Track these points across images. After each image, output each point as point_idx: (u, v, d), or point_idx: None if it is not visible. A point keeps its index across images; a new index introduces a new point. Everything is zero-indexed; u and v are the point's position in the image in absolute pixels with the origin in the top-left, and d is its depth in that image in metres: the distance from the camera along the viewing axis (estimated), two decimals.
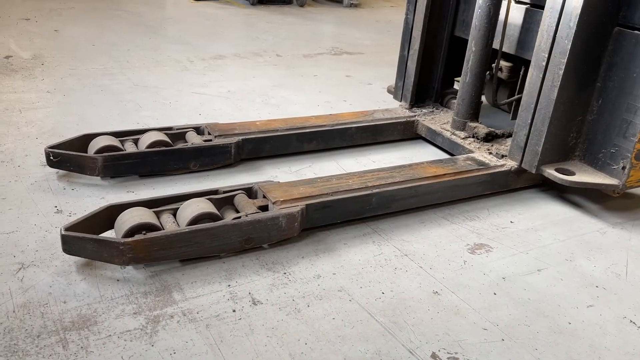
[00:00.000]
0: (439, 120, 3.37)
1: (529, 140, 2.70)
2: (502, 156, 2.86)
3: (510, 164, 2.79)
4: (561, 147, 2.71)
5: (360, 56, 5.39)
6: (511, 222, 2.57)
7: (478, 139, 3.07)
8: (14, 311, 1.76)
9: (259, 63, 4.81)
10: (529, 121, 2.68)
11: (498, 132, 3.11)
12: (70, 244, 1.89)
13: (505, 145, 2.99)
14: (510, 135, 3.02)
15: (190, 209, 2.11)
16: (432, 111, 3.49)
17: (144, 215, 2.04)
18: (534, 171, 2.70)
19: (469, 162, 2.79)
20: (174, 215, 2.16)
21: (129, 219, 2.01)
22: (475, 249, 2.33)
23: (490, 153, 2.92)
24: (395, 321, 1.87)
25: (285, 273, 2.08)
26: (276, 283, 2.01)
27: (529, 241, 2.42)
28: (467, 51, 3.04)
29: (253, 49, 5.25)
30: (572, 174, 2.65)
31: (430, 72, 3.52)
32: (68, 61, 4.32)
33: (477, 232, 2.46)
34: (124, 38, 5.20)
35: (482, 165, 2.77)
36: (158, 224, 2.05)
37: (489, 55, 3.02)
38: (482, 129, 3.07)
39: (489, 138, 3.06)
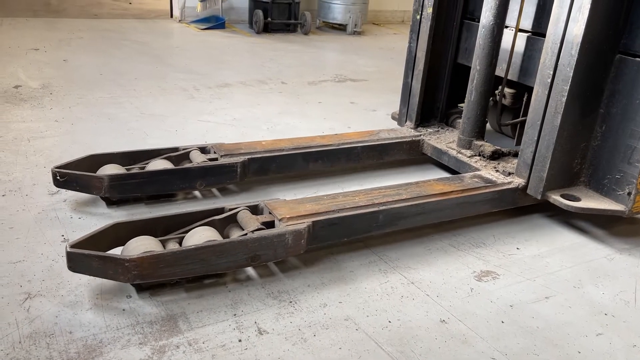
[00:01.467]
0: (444, 140, 3.38)
1: (534, 166, 2.70)
2: (509, 174, 2.85)
3: (518, 181, 2.78)
4: (566, 173, 2.72)
5: (364, 83, 5.44)
6: (517, 248, 2.56)
7: (484, 157, 3.07)
8: (20, 342, 1.76)
9: (264, 90, 4.86)
10: (536, 137, 2.68)
11: (504, 150, 3.11)
12: (75, 262, 1.88)
13: (511, 164, 2.98)
14: (516, 154, 3.02)
15: (196, 237, 2.11)
16: (438, 130, 3.50)
17: (149, 245, 2.04)
18: (539, 197, 2.70)
19: (476, 180, 2.78)
20: (180, 244, 2.16)
21: (134, 248, 2.02)
22: (482, 276, 2.32)
23: (497, 171, 2.91)
24: (402, 350, 1.86)
25: (291, 302, 2.07)
26: (282, 312, 2.01)
27: (535, 268, 2.41)
28: (471, 70, 3.06)
29: (258, 77, 5.31)
30: (577, 199, 2.64)
31: (435, 93, 3.54)
32: (76, 90, 4.38)
33: (484, 259, 2.45)
34: (131, 67, 5.28)
35: (489, 182, 2.77)
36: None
37: (494, 73, 3.04)
38: (488, 147, 3.07)
39: (495, 156, 3.06)
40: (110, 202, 2.65)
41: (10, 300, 1.94)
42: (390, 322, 2.00)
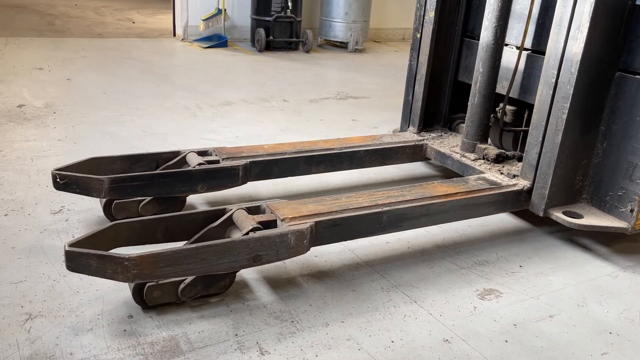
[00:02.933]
0: (447, 144, 3.38)
1: (536, 183, 2.70)
2: (514, 176, 2.84)
3: (523, 183, 2.77)
4: (568, 190, 2.71)
5: (365, 100, 5.47)
6: (520, 266, 2.55)
7: (488, 160, 3.06)
8: None
9: (266, 108, 4.89)
10: (537, 155, 2.68)
11: (509, 153, 3.10)
12: (74, 261, 1.83)
13: (516, 167, 2.98)
14: (520, 158, 3.01)
15: None
16: (441, 135, 3.51)
17: None
18: (541, 214, 2.69)
19: (481, 182, 2.77)
20: None
21: None
22: (485, 295, 2.31)
23: (502, 173, 2.90)
24: None
25: (293, 321, 2.06)
26: (284, 332, 1.99)
27: (539, 286, 2.40)
28: (474, 73, 3.07)
29: (260, 95, 5.35)
30: (580, 217, 2.64)
31: (438, 98, 3.55)
32: (79, 109, 4.42)
33: (486, 277, 2.44)
34: (134, 85, 5.32)
35: (494, 184, 2.75)
36: None
37: (497, 76, 3.05)
38: (493, 150, 3.06)
39: (500, 159, 3.05)
40: (114, 219, 2.64)
41: (11, 320, 1.94)
42: (393, 341, 1.98)
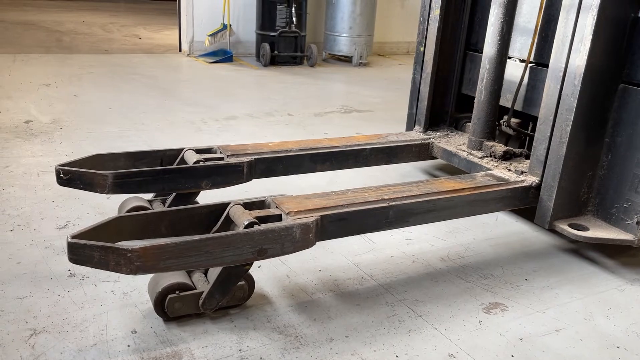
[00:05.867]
0: (454, 142, 3.37)
1: (541, 196, 2.69)
2: (522, 172, 2.82)
3: (531, 179, 2.75)
4: (573, 203, 2.70)
5: (369, 114, 5.49)
6: (526, 279, 2.53)
7: (496, 157, 3.04)
8: None
9: (271, 122, 4.91)
10: (542, 167, 2.67)
11: (516, 151, 3.09)
12: (76, 253, 1.80)
13: (524, 164, 2.96)
14: (528, 156, 3.00)
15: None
16: (447, 134, 3.51)
17: (177, 275, 2.06)
18: (547, 227, 2.68)
19: (488, 178, 2.75)
20: (205, 274, 2.16)
21: (160, 279, 2.04)
22: (491, 309, 2.29)
23: (509, 170, 2.89)
24: None
25: (297, 336, 2.05)
26: (288, 347, 1.98)
27: (545, 300, 2.38)
28: (481, 69, 3.07)
29: (265, 109, 5.37)
30: (586, 229, 2.62)
31: (444, 97, 3.56)
32: (86, 124, 4.45)
33: (492, 291, 2.42)
34: (139, 101, 5.36)
35: (502, 180, 2.74)
36: (191, 283, 2.08)
37: (504, 71, 3.04)
38: (500, 148, 3.05)
39: (507, 157, 3.04)
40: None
41: (15, 336, 1.94)
42: (397, 356, 1.97)
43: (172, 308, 2.03)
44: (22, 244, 2.55)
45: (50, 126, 4.34)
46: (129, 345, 1.93)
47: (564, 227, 2.64)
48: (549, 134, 2.62)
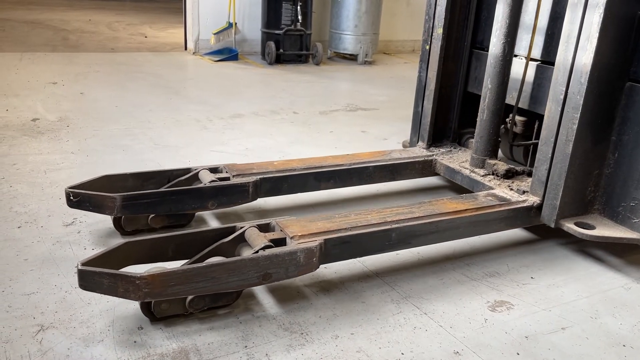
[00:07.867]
0: (457, 159, 3.37)
1: (547, 194, 2.68)
2: (524, 192, 2.82)
3: (533, 199, 2.75)
4: (580, 201, 2.69)
5: (375, 112, 5.49)
6: (532, 277, 2.53)
7: (498, 176, 3.04)
8: None
9: (276, 121, 4.92)
10: (548, 166, 2.67)
11: (518, 169, 3.09)
12: (86, 280, 1.86)
13: (526, 182, 2.96)
14: (530, 173, 3.00)
15: None
16: (450, 150, 3.50)
17: None
18: (553, 225, 2.67)
19: (490, 198, 2.76)
20: None
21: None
22: (496, 307, 2.29)
23: (512, 189, 2.89)
24: None
25: (302, 333, 2.05)
26: (293, 344, 1.99)
27: (551, 298, 2.37)
28: (483, 88, 3.07)
29: (270, 107, 5.38)
30: (592, 228, 2.61)
31: (447, 113, 3.56)
32: (92, 123, 4.47)
33: (497, 289, 2.42)
34: (145, 99, 5.38)
35: (504, 200, 2.74)
36: None
37: (506, 90, 3.04)
38: (502, 166, 3.05)
39: (509, 175, 3.04)
40: (125, 233, 2.67)
41: (23, 332, 1.95)
42: (403, 354, 1.97)
43: (158, 309, 2.04)
44: (30, 241, 2.57)
45: (57, 124, 4.37)
46: (135, 342, 1.95)
47: (570, 225, 2.63)
48: (555, 133, 2.61)
